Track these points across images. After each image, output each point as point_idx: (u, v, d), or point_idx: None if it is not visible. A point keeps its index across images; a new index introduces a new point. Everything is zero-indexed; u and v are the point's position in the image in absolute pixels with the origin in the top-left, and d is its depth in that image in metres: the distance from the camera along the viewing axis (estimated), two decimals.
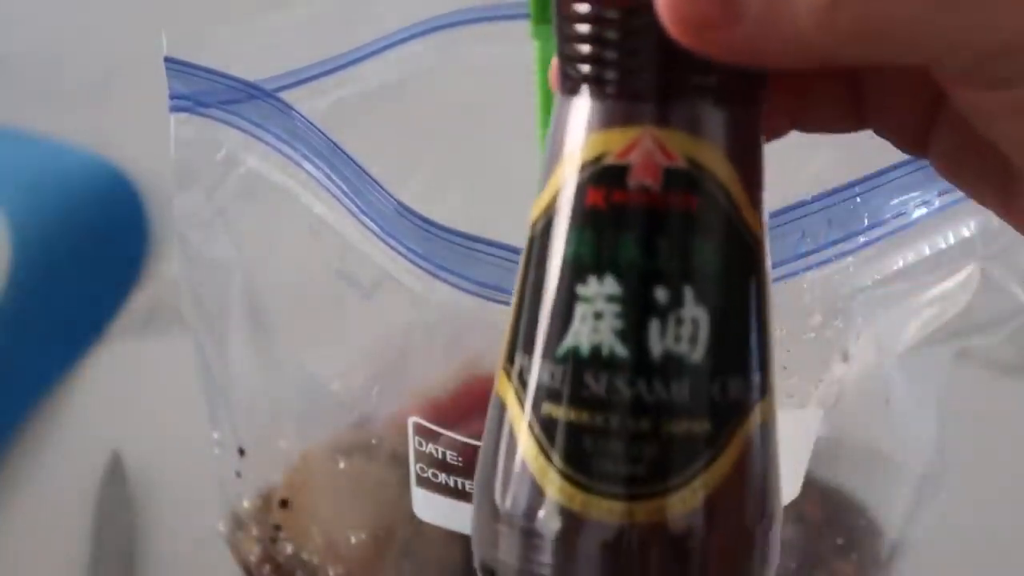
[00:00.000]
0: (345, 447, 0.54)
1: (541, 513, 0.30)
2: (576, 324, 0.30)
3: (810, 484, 0.51)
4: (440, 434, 0.48)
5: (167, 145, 0.49)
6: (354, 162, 0.46)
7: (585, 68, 0.30)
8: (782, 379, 0.48)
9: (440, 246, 0.44)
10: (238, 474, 0.55)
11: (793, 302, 0.47)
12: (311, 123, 0.47)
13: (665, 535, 0.30)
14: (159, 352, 0.75)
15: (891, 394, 0.53)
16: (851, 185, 0.44)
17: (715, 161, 0.30)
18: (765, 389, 0.31)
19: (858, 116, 0.34)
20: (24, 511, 0.74)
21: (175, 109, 0.48)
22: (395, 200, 0.45)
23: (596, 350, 0.30)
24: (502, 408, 0.32)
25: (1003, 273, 0.49)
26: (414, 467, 0.49)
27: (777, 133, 0.34)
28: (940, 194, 0.46)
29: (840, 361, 0.51)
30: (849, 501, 0.57)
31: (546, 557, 0.30)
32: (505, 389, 0.32)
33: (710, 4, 0.28)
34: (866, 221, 0.44)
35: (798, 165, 0.38)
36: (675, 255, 0.29)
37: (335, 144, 0.46)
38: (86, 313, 0.80)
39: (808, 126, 0.35)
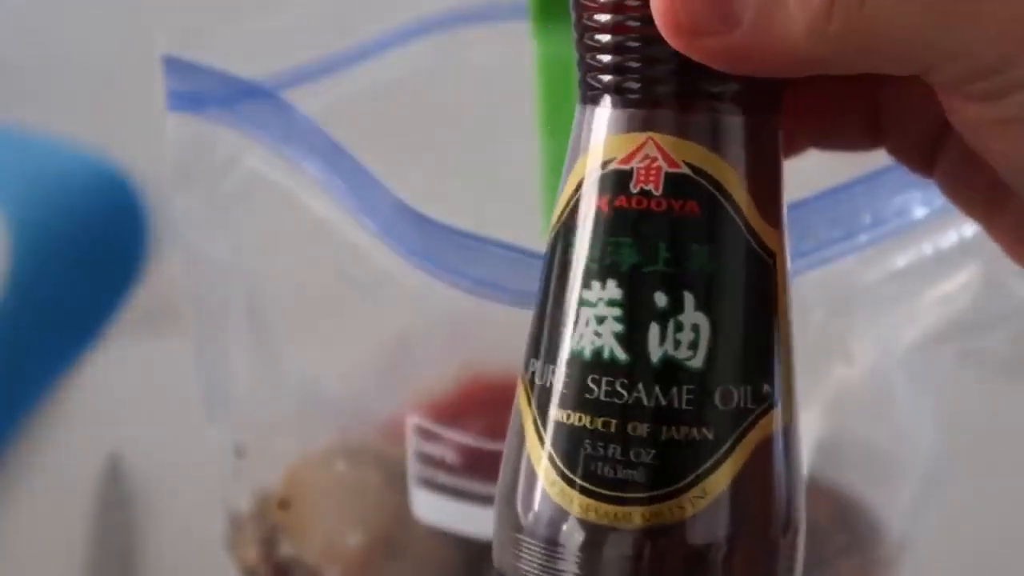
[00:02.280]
0: (344, 448, 0.54)
1: (543, 517, 0.31)
2: (580, 328, 0.30)
3: (812, 484, 0.50)
4: (440, 434, 0.48)
5: (167, 145, 0.49)
6: (354, 161, 0.46)
7: (591, 80, 0.30)
8: None
9: (440, 245, 0.44)
10: (237, 475, 0.55)
11: (794, 301, 0.47)
12: (311, 123, 0.46)
13: (657, 541, 0.30)
14: (159, 352, 0.75)
15: (893, 394, 0.53)
16: (852, 184, 0.44)
17: (718, 168, 0.30)
18: (777, 400, 0.31)
19: (874, 136, 0.34)
20: (24, 511, 0.74)
21: (174, 109, 0.48)
22: (395, 199, 0.45)
23: (597, 353, 0.30)
24: (517, 414, 0.32)
25: (1005, 273, 0.49)
26: (414, 467, 0.49)
27: (796, 151, 0.35)
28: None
29: (842, 361, 0.51)
30: (851, 501, 0.57)
31: (543, 559, 0.30)
32: (520, 394, 0.32)
33: (705, 11, 0.28)
34: (868, 220, 0.44)
35: (799, 164, 0.38)
36: (675, 260, 0.30)
37: (335, 143, 0.46)
38: (86, 313, 0.79)
39: (826, 145, 0.35)
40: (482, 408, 0.54)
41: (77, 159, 0.83)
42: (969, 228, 0.48)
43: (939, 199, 0.45)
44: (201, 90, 0.48)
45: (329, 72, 0.53)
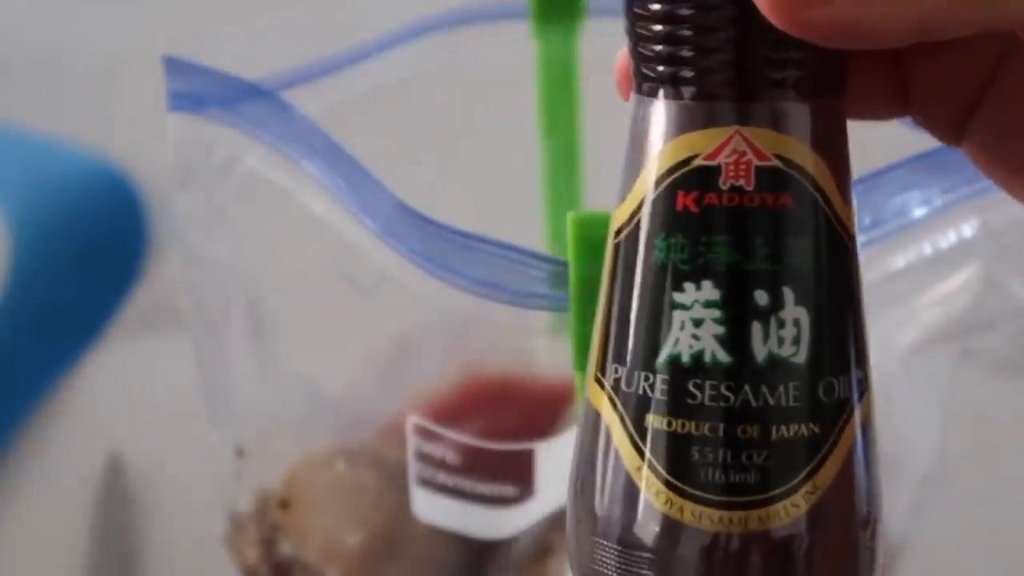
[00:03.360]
0: (344, 448, 0.54)
1: (648, 526, 0.30)
2: (675, 332, 0.29)
3: None
4: (440, 434, 0.48)
5: (167, 145, 0.49)
6: (354, 161, 0.46)
7: (664, 69, 0.29)
8: None
9: (440, 245, 0.44)
10: (237, 475, 0.55)
11: None
12: (311, 123, 0.46)
13: (775, 541, 0.29)
14: (159, 352, 0.75)
15: (893, 394, 0.53)
16: (852, 184, 0.44)
17: (805, 157, 0.29)
18: (866, 387, 0.30)
19: (902, 105, 0.34)
20: (24, 511, 0.74)
21: (174, 109, 0.48)
22: (394, 199, 0.45)
23: (698, 357, 0.29)
24: (598, 419, 0.31)
25: (1004, 273, 0.49)
26: (414, 467, 0.49)
27: None
28: (942, 193, 0.46)
29: None
30: None
31: (650, 569, 0.30)
32: (599, 399, 0.31)
33: None
34: (867, 220, 0.44)
35: None
36: (773, 255, 0.29)
37: (334, 143, 0.46)
38: (86, 313, 0.80)
39: (852, 115, 0.34)
40: (482, 408, 0.54)
41: (77, 159, 0.83)
42: (969, 228, 0.48)
43: (939, 199, 0.45)
44: (201, 90, 0.48)
45: (329, 72, 0.53)
